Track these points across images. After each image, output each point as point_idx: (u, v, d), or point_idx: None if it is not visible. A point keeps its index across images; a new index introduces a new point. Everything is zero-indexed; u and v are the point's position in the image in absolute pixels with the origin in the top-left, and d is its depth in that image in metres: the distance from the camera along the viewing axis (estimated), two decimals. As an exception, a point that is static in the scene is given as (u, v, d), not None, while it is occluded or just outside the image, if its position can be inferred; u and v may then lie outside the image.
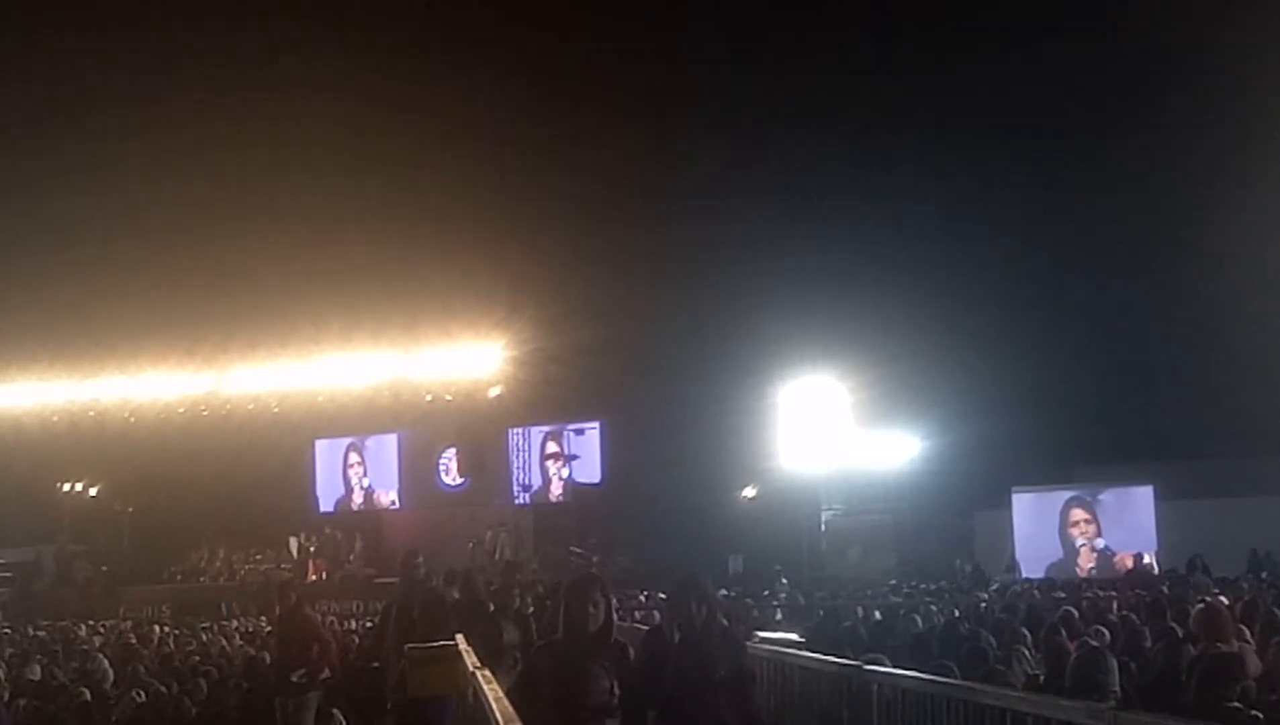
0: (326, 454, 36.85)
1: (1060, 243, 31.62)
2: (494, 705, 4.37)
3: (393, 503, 36.57)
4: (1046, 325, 31.07)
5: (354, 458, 36.78)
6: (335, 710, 13.26)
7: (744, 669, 6.56)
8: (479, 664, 6.08)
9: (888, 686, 6.25)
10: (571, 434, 35.70)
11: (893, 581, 26.81)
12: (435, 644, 8.16)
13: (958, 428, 30.15)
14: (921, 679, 5.94)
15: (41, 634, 23.14)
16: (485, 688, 5.03)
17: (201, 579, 33.72)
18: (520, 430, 35.56)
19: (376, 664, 15.66)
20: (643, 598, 23.06)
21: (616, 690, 6.27)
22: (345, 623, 24.98)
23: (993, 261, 31.44)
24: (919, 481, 32.39)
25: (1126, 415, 31.11)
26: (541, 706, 6.12)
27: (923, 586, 25.04)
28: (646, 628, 8.35)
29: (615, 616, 6.61)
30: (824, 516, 33.56)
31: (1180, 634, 10.65)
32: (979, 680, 7.28)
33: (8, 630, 24.10)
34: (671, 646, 6.50)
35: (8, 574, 34.80)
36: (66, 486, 36.06)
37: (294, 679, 12.01)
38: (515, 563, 14.00)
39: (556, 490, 35.74)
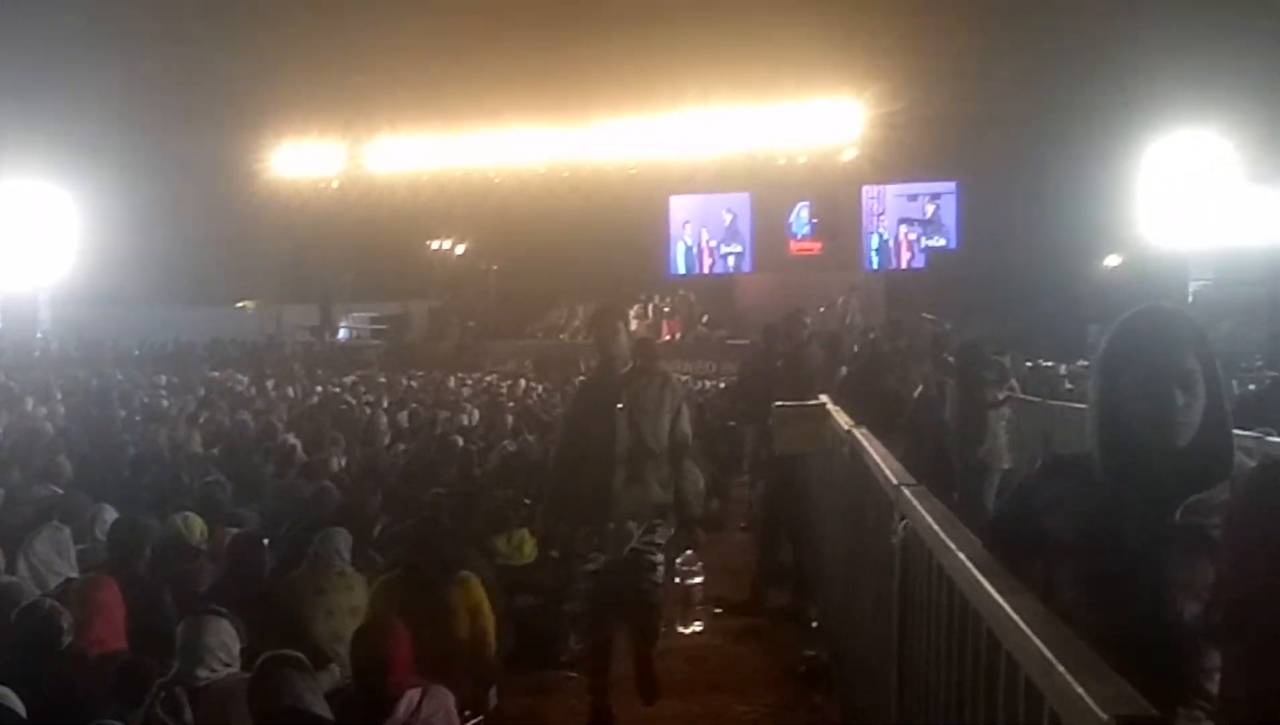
0: (680, 215, 37.33)
1: None
2: (882, 464, 4.18)
3: (744, 265, 36.88)
4: None
5: (707, 219, 37.13)
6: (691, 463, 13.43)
7: None
8: (855, 422, 5.85)
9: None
10: (927, 197, 35.02)
11: (1260, 360, 25.46)
12: (803, 402, 8.06)
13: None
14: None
15: (414, 384, 24.36)
16: (867, 445, 4.85)
17: (561, 336, 34.85)
18: (875, 190, 35.12)
19: (733, 423, 15.93)
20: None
21: None
22: (700, 383, 25.45)
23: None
24: (1302, 252, 30.37)
25: None
26: None
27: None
28: None
29: None
30: (1192, 288, 32.02)
31: None
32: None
33: (383, 380, 25.50)
34: None
35: (382, 326, 36.95)
36: (435, 244, 37.80)
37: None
38: (898, 322, 13.39)
39: (909, 255, 35.28)
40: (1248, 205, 30.81)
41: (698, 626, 8.91)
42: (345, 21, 33.98)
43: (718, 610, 9.59)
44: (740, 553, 12.06)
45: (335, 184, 37.85)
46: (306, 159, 37.93)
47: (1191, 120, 30.69)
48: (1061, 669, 1.67)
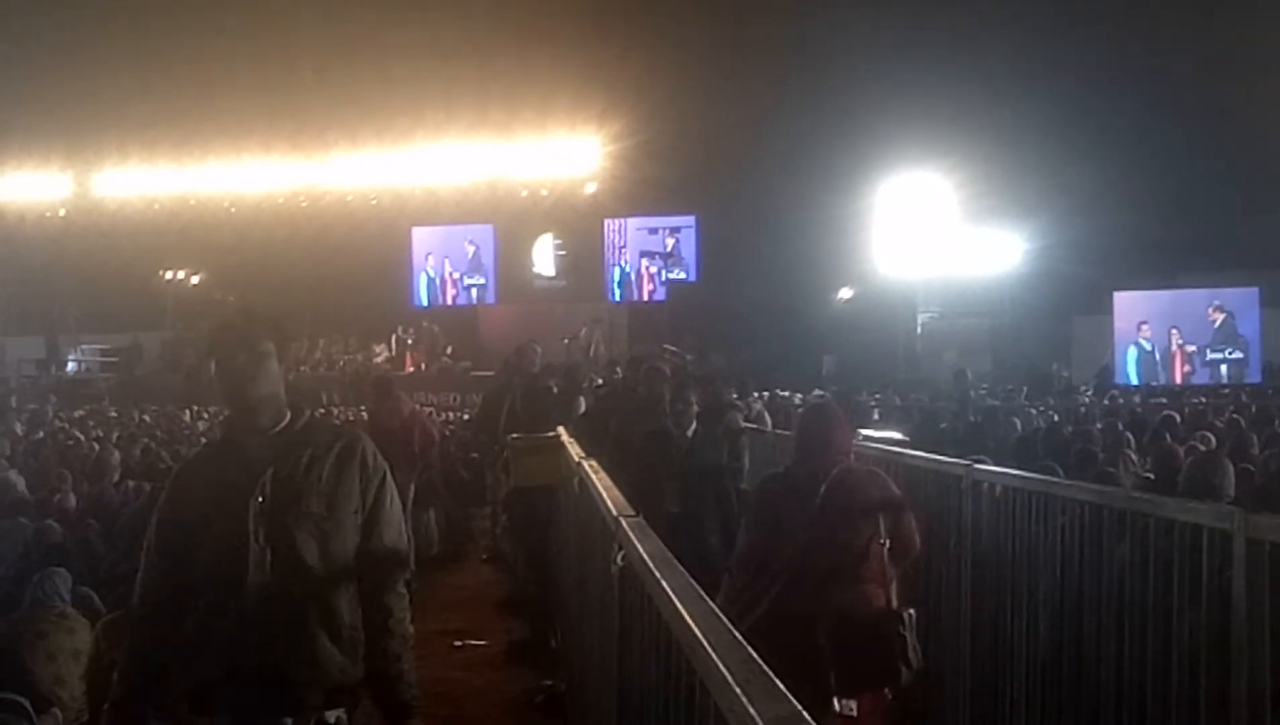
0: (423, 246, 37.10)
1: (1175, 36, 30.18)
2: (605, 495, 4.27)
3: (487, 297, 36.87)
4: (1156, 121, 29.88)
5: (449, 250, 37.01)
6: (432, 510, 13.17)
7: None
8: (585, 454, 5.94)
9: (1000, 486, 6.06)
10: (667, 231, 35.60)
11: (984, 386, 26.64)
12: (538, 434, 8.14)
13: (1062, 228, 29.42)
14: (1038, 479, 5.76)
15: (147, 418, 23.60)
16: (594, 477, 4.94)
17: (302, 368, 34.05)
18: (616, 224, 35.54)
19: (475, 454, 15.94)
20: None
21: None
22: (444, 414, 25.33)
23: (1103, 53, 30.23)
24: (1019, 285, 31.97)
25: (1233, 216, 30.10)
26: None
27: (1026, 389, 24.82)
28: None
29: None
30: (920, 319, 33.39)
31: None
32: (1091, 483, 7.07)
33: (114, 414, 24.63)
34: None
35: (113, 359, 35.60)
36: (169, 275, 36.68)
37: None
38: (640, 355, 13.36)
39: (651, 287, 35.80)
40: (966, 242, 32.33)
41: None
42: (76, 45, 32.71)
43: (457, 644, 9.59)
44: (482, 585, 12.07)
45: (62, 212, 36.52)
46: (31, 186, 36.50)
47: (915, 162, 32.06)
48: (738, 690, 1.76)
